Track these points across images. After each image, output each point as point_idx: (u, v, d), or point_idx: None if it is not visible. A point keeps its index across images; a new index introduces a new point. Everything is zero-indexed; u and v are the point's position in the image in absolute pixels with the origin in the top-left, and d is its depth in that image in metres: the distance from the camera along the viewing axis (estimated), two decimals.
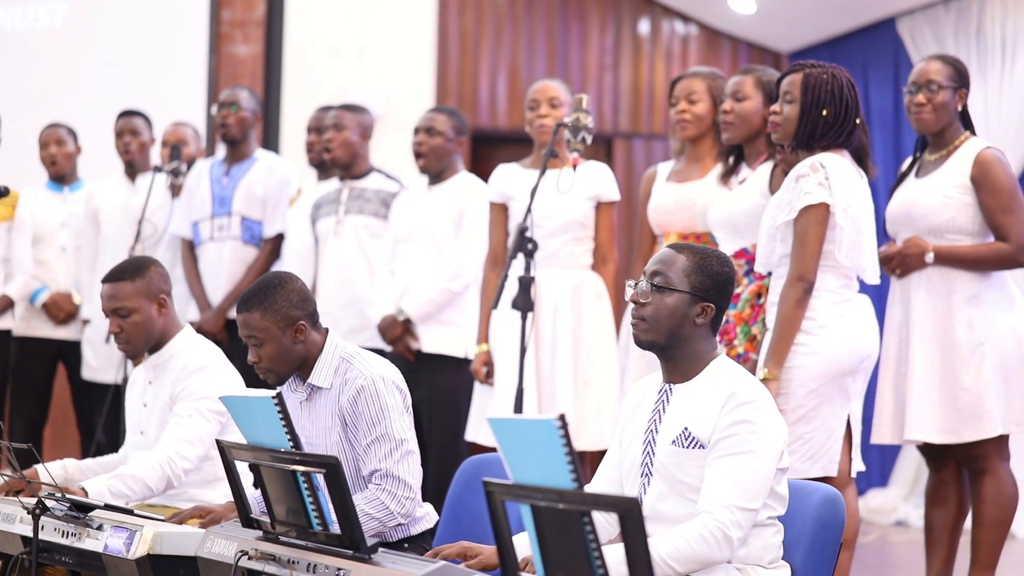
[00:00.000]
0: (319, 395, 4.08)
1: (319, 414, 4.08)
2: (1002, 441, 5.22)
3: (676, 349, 3.57)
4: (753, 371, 4.68)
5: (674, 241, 5.65)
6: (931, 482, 5.44)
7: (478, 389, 6.03)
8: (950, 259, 5.18)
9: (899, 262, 5.26)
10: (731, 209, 5.26)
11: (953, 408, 5.13)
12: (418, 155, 6.43)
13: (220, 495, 4.63)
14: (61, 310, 7.22)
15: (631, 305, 5.82)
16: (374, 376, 4.01)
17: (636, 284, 3.59)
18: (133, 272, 4.67)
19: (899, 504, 8.50)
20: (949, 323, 5.16)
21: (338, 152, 6.66)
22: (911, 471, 8.54)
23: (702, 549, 3.36)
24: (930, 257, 5.19)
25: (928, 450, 5.41)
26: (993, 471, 5.18)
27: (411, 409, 4.09)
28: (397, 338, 6.30)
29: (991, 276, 5.19)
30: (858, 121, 4.78)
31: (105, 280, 4.70)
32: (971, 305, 5.16)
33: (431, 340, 6.33)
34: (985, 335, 5.13)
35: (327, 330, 4.14)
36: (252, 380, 5.04)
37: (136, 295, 4.65)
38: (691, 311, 3.55)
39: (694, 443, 3.49)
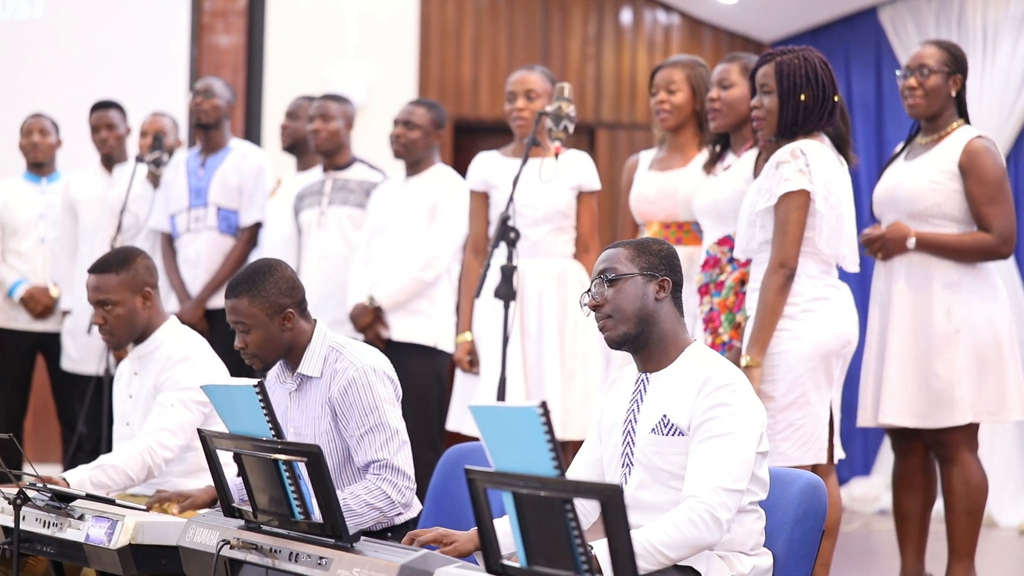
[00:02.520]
0: (309, 385, 4.08)
1: (309, 404, 4.07)
2: (971, 430, 5.23)
3: (647, 334, 3.56)
4: (738, 359, 4.69)
5: (656, 230, 5.66)
6: (897, 469, 5.45)
7: (461, 379, 6.02)
8: (932, 246, 5.19)
9: (881, 245, 5.28)
10: (716, 196, 5.26)
11: (926, 393, 5.16)
12: (394, 145, 6.43)
13: (203, 485, 4.62)
14: (39, 304, 7.20)
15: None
16: (365, 367, 4.01)
17: (588, 291, 3.60)
18: (118, 264, 4.67)
19: (882, 493, 8.52)
20: (927, 309, 5.18)
21: (326, 142, 6.65)
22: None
23: (692, 533, 3.36)
24: (911, 243, 5.20)
25: (895, 436, 5.43)
26: (959, 460, 5.20)
27: (401, 399, 4.10)
28: (367, 326, 6.29)
29: (973, 264, 5.20)
30: (836, 99, 4.78)
31: (91, 271, 4.70)
32: (950, 292, 5.17)
33: (401, 329, 6.32)
34: (962, 322, 5.15)
35: (316, 320, 4.14)
36: (235, 370, 5.04)
37: (120, 288, 4.65)
38: (648, 289, 3.56)
39: (673, 430, 3.49)
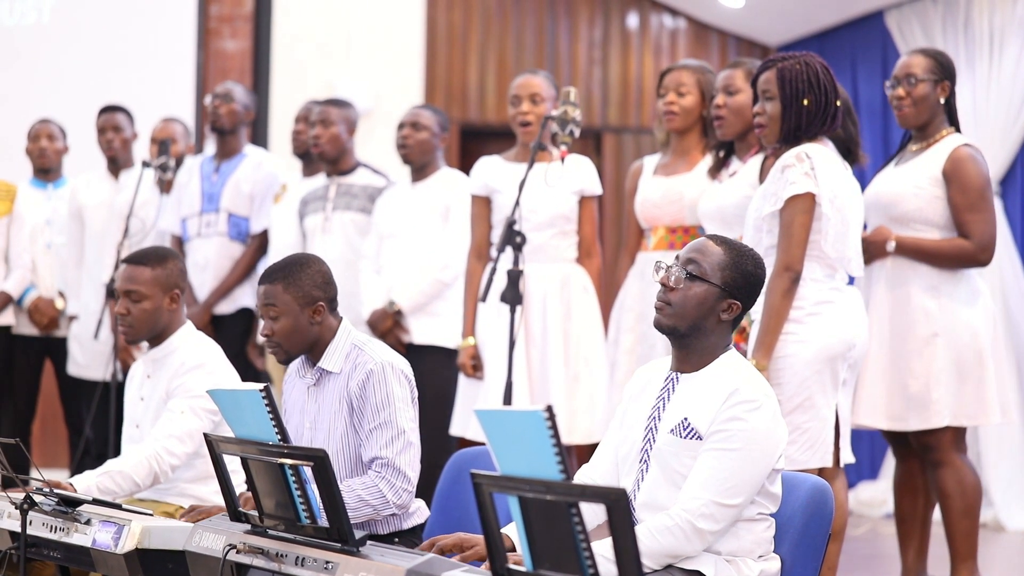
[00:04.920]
0: (328, 380, 4.10)
1: (326, 399, 4.09)
2: (958, 433, 5.25)
3: (694, 339, 3.56)
4: None
5: (663, 235, 5.66)
6: (898, 472, 5.48)
7: (463, 383, 6.01)
8: (911, 250, 5.22)
9: (863, 248, 5.29)
10: (721, 201, 5.26)
11: (902, 396, 5.18)
12: (402, 148, 6.43)
13: (211, 491, 4.63)
14: (44, 316, 7.20)
15: (620, 296, 5.85)
16: (383, 362, 4.03)
17: (668, 268, 3.58)
18: (155, 260, 4.70)
19: (889, 497, 8.50)
20: (906, 312, 5.20)
21: (326, 147, 6.66)
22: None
23: (668, 542, 3.37)
24: (891, 246, 5.22)
25: (893, 439, 5.44)
26: (949, 463, 5.22)
27: (416, 401, 4.11)
28: (387, 330, 6.29)
29: (954, 269, 5.22)
30: (839, 103, 4.78)
31: (126, 261, 4.73)
32: (929, 296, 5.19)
33: (421, 331, 6.33)
34: (941, 327, 5.17)
35: (342, 318, 4.16)
36: (242, 375, 5.05)
37: (152, 283, 4.66)
38: (718, 305, 3.54)
39: (692, 434, 3.48)
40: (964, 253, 5.20)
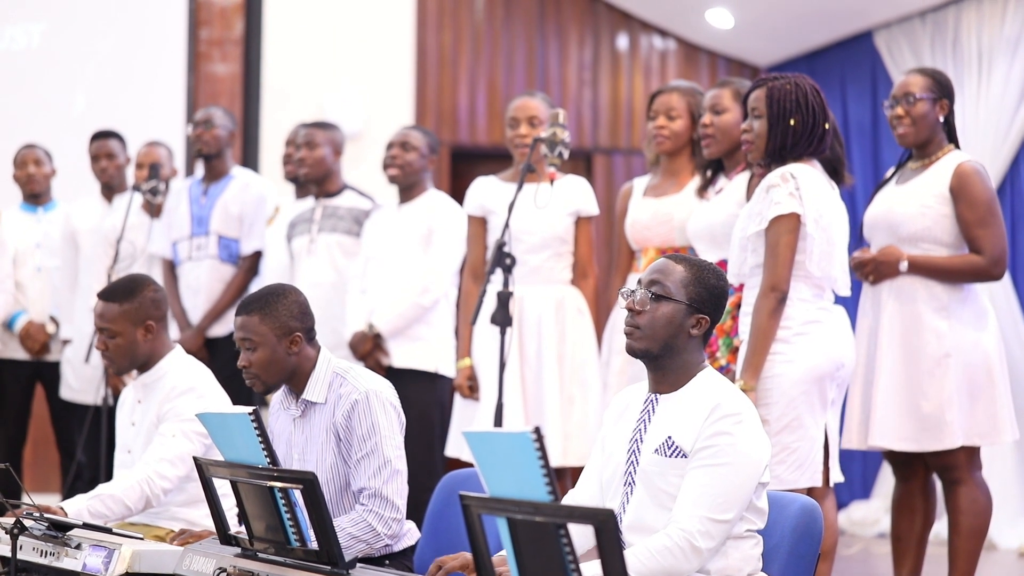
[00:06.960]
0: (313, 411, 4.10)
1: (313, 430, 4.09)
2: (974, 451, 5.24)
3: (667, 359, 3.57)
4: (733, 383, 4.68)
5: (653, 256, 5.67)
6: (898, 492, 5.46)
7: (460, 404, 6.01)
8: (924, 269, 5.20)
9: (872, 268, 5.29)
10: (709, 220, 5.27)
11: (916, 417, 5.16)
12: (389, 168, 6.43)
13: (203, 515, 4.62)
14: (35, 342, 7.20)
15: (612, 317, 5.86)
16: (368, 391, 4.03)
17: (632, 292, 3.60)
18: (124, 295, 4.68)
19: (882, 516, 8.51)
20: (917, 332, 5.19)
21: (311, 169, 6.68)
22: (893, 483, 8.56)
23: (668, 561, 3.37)
24: (904, 266, 5.21)
25: (896, 459, 5.43)
26: (967, 481, 5.21)
27: (404, 427, 4.10)
28: (367, 353, 6.28)
29: (962, 288, 5.22)
30: (827, 126, 4.80)
31: (99, 296, 4.72)
32: (940, 316, 5.18)
33: (401, 355, 6.31)
34: (953, 346, 5.15)
35: (321, 347, 4.15)
36: (235, 399, 5.05)
37: (121, 319, 4.66)
38: (687, 322, 3.56)
39: (677, 452, 3.49)
40: (977, 268, 5.20)
